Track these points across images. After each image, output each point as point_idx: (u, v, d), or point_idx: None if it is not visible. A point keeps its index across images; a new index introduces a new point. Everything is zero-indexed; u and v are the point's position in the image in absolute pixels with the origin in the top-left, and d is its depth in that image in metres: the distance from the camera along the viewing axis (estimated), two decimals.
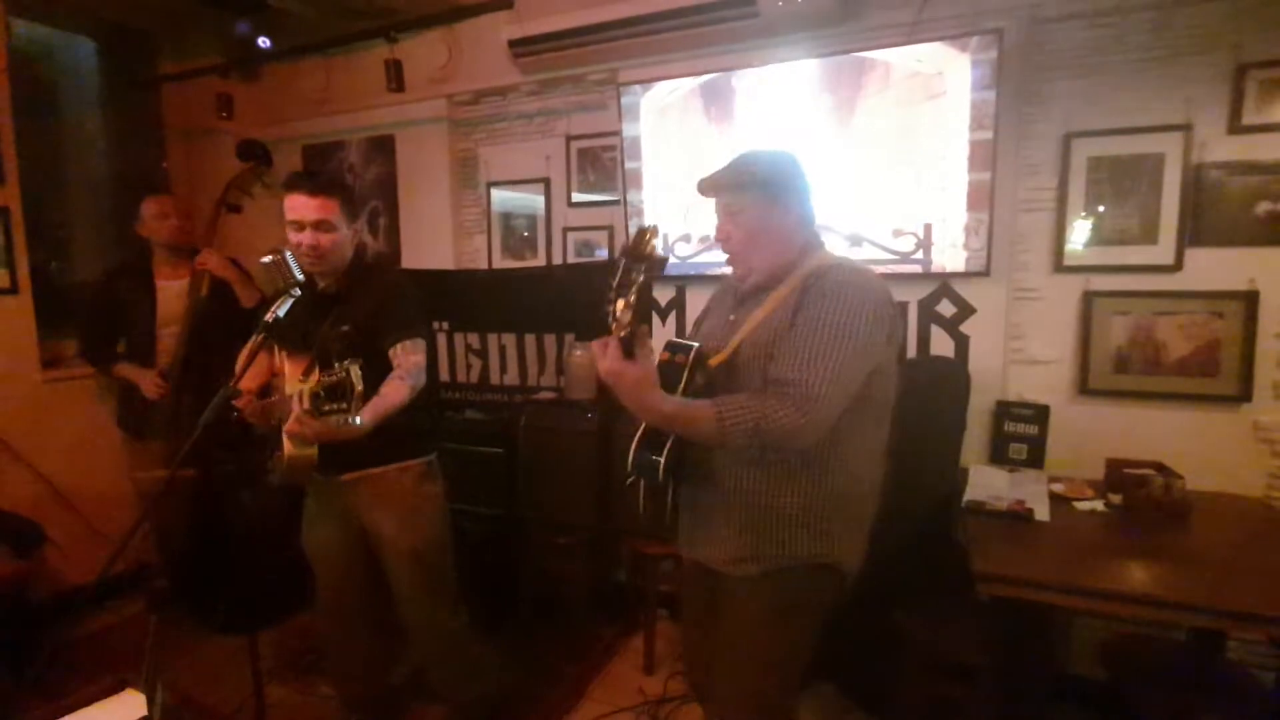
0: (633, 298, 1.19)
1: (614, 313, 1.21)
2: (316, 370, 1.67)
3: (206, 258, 2.63)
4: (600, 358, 1.22)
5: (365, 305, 1.75)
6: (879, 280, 1.33)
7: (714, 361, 1.35)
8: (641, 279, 1.20)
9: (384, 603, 1.96)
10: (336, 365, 1.37)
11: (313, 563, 1.94)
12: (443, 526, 1.93)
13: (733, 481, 1.35)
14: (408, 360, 1.73)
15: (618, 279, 1.21)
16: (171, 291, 2.72)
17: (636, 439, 1.35)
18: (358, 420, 1.38)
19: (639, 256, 1.19)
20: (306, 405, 1.41)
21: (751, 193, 1.34)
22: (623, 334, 1.19)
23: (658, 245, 1.31)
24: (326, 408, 1.36)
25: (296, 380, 1.67)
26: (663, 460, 1.31)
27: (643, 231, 1.21)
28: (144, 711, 1.01)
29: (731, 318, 1.42)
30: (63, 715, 1.05)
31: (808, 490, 1.32)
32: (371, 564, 1.91)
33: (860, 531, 1.42)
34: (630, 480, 1.39)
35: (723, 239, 1.39)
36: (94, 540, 2.83)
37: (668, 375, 1.31)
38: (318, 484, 1.87)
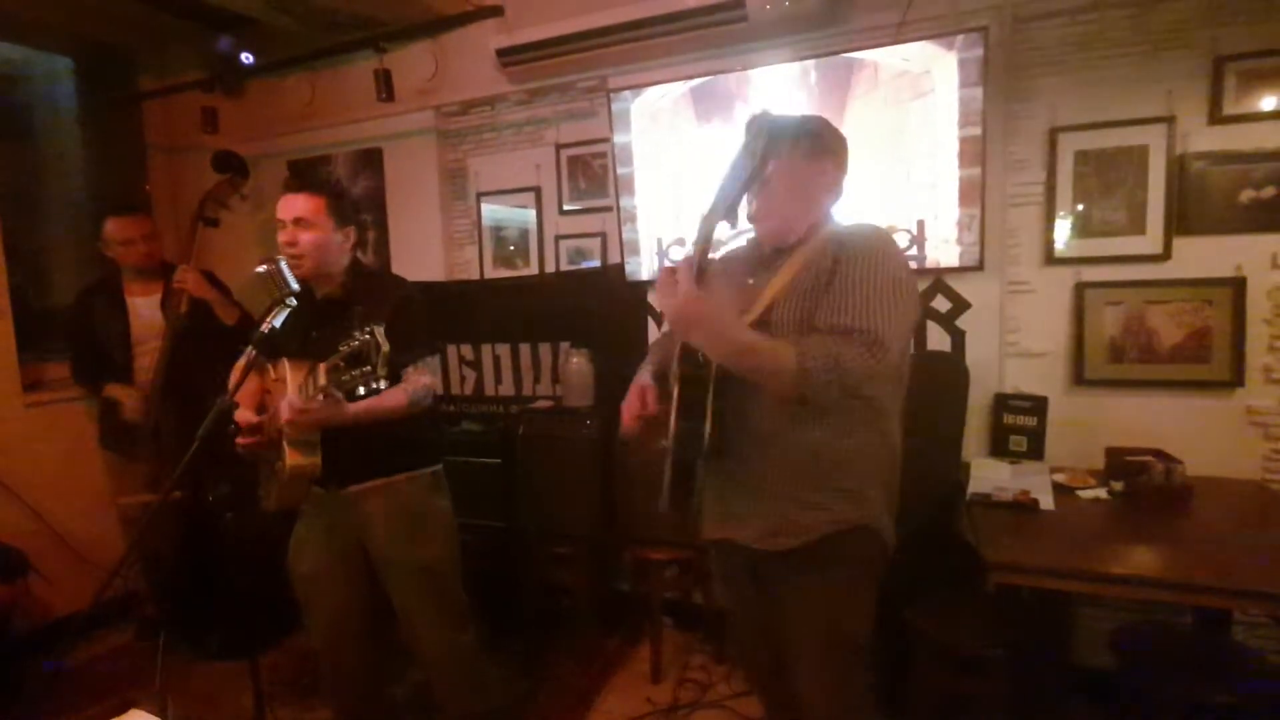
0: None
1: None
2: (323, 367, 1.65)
3: (184, 276, 2.58)
4: (668, 292, 1.14)
5: (378, 314, 1.71)
6: (898, 244, 1.36)
7: (748, 320, 1.28)
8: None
9: (382, 619, 1.92)
10: (356, 333, 1.34)
11: (303, 590, 1.85)
12: (453, 541, 1.88)
13: (772, 448, 1.30)
14: (418, 380, 1.72)
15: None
16: (144, 308, 2.67)
17: (674, 409, 1.29)
18: (382, 385, 1.35)
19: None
20: (323, 381, 1.39)
21: (807, 141, 1.34)
22: (698, 257, 1.17)
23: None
24: (347, 376, 1.34)
25: (300, 387, 1.64)
26: (707, 428, 1.25)
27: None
28: None
29: (751, 281, 1.38)
30: None
31: (849, 459, 1.30)
32: (371, 583, 1.85)
33: (892, 498, 1.40)
34: (670, 456, 1.32)
35: (762, 182, 1.29)
36: (80, 568, 2.75)
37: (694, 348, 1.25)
38: (315, 502, 1.81)
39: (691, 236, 1.46)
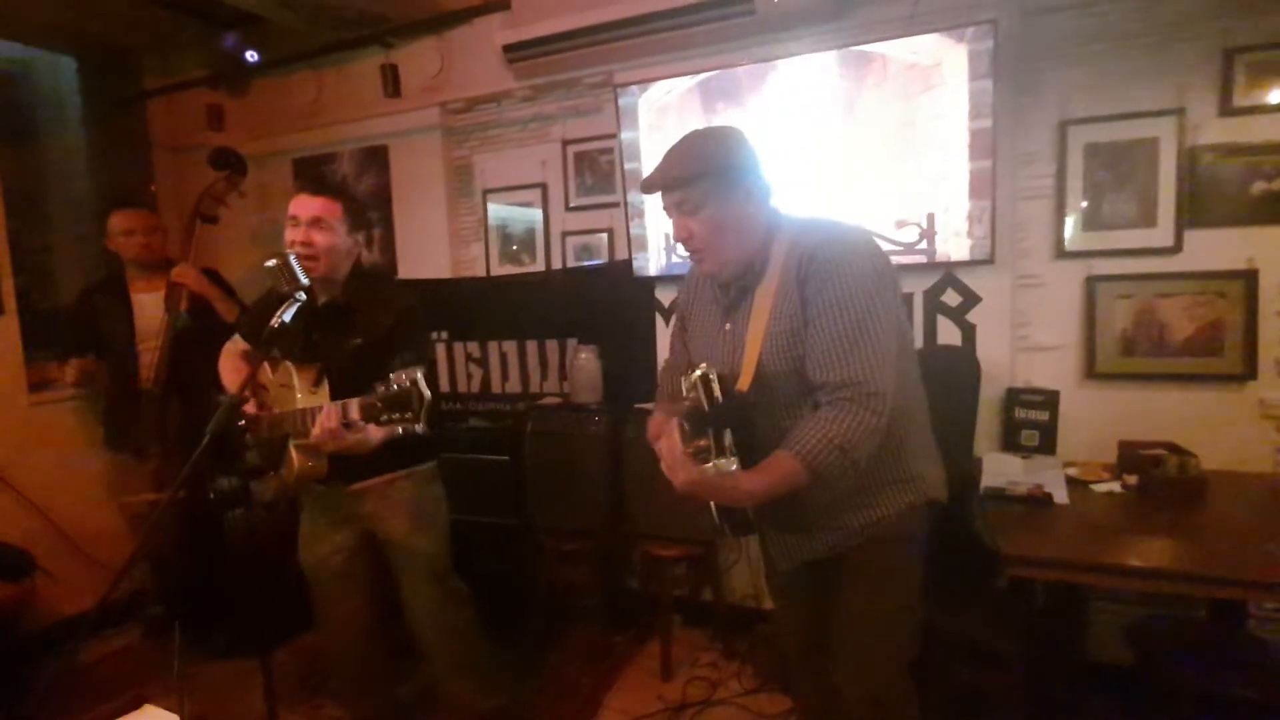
0: (709, 441, 1.19)
1: (683, 441, 1.18)
2: (328, 383, 1.66)
3: (183, 273, 2.58)
4: (674, 473, 1.17)
5: (378, 321, 1.73)
6: (860, 232, 1.29)
7: (742, 385, 1.28)
8: (714, 427, 1.20)
9: (389, 615, 1.93)
10: (394, 377, 1.36)
11: (313, 581, 1.89)
12: (446, 525, 1.92)
13: (814, 489, 1.27)
14: None
15: (695, 429, 1.21)
16: (148, 303, 2.66)
17: (715, 502, 1.30)
18: (418, 428, 1.36)
19: (719, 410, 1.19)
20: (356, 416, 1.42)
21: (705, 184, 1.24)
22: (689, 450, 1.18)
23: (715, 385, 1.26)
24: (385, 417, 1.36)
25: (309, 392, 1.65)
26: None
27: (708, 381, 1.20)
28: None
29: (728, 327, 1.35)
30: None
31: (883, 457, 1.29)
32: (377, 574, 1.88)
33: (935, 456, 1.43)
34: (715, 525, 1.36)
35: (684, 238, 1.29)
36: (87, 567, 2.75)
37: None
38: (318, 498, 1.84)
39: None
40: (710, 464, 1.19)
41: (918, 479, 1.36)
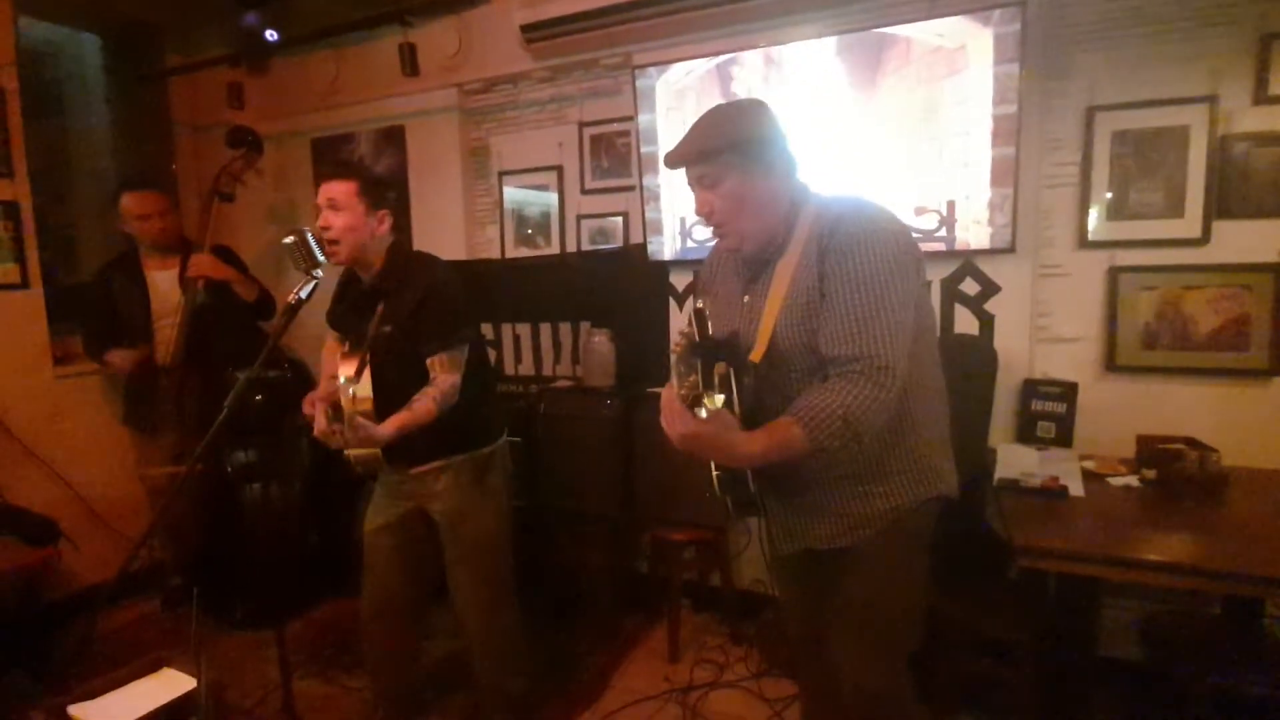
0: (697, 376, 1.18)
1: (678, 382, 1.18)
2: (369, 373, 1.67)
3: (199, 264, 2.60)
4: (672, 425, 1.15)
5: (407, 302, 1.73)
6: (885, 211, 1.26)
7: (755, 356, 1.27)
8: (701, 359, 1.18)
9: (426, 595, 1.97)
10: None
11: (365, 551, 1.90)
12: (504, 518, 1.91)
13: (815, 461, 1.27)
14: (444, 380, 1.71)
15: (687, 365, 1.20)
16: (163, 282, 2.70)
17: (713, 461, 1.27)
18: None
19: (708, 344, 1.18)
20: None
21: (727, 157, 1.24)
22: (683, 391, 1.17)
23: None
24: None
25: (350, 383, 1.65)
26: (749, 473, 1.26)
27: (701, 315, 1.19)
28: (187, 687, 0.98)
29: (746, 299, 1.35)
30: (108, 691, 1.03)
31: (894, 443, 1.28)
32: (425, 554, 1.89)
33: (948, 452, 1.40)
34: (718, 498, 1.32)
35: (705, 213, 1.29)
36: (108, 538, 2.81)
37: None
38: (386, 475, 1.86)
39: None
40: (702, 407, 1.17)
41: (929, 472, 1.34)
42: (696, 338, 1.22)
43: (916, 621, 1.41)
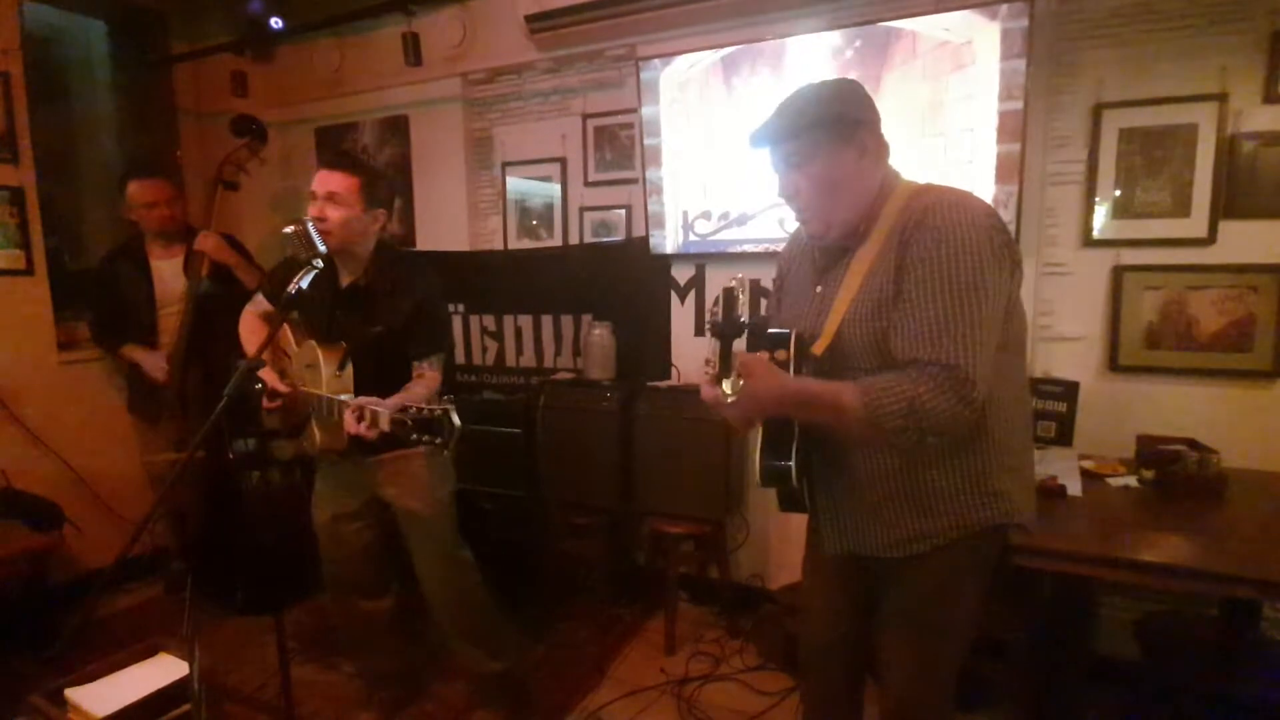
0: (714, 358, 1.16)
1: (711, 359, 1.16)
2: (351, 367, 1.72)
3: (204, 241, 2.61)
4: (707, 393, 1.14)
5: (399, 307, 1.76)
6: (981, 203, 1.14)
7: (818, 349, 1.18)
8: (721, 340, 1.15)
9: (395, 576, 2.01)
10: (431, 406, 1.43)
11: (324, 542, 1.95)
12: (451, 484, 1.96)
13: (873, 466, 1.21)
14: (432, 379, 1.78)
15: (710, 346, 1.17)
16: (167, 271, 2.71)
17: (759, 445, 1.20)
18: (446, 454, 1.56)
19: (730, 326, 1.13)
20: (385, 427, 1.48)
21: (816, 135, 1.15)
22: (708, 371, 1.15)
23: (743, 303, 1.15)
24: (415, 437, 1.42)
25: (334, 376, 1.69)
26: (793, 464, 1.17)
27: (729, 295, 1.13)
28: (181, 672, 0.99)
29: (819, 289, 1.25)
30: (105, 674, 1.04)
31: (966, 457, 1.17)
32: (387, 540, 1.95)
33: (1029, 479, 1.28)
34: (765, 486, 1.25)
35: (790, 194, 1.20)
36: (111, 523, 2.84)
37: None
38: (334, 463, 1.89)
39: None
40: (721, 387, 1.14)
41: (1000, 495, 1.19)
42: (719, 318, 1.15)
43: (966, 643, 1.32)
